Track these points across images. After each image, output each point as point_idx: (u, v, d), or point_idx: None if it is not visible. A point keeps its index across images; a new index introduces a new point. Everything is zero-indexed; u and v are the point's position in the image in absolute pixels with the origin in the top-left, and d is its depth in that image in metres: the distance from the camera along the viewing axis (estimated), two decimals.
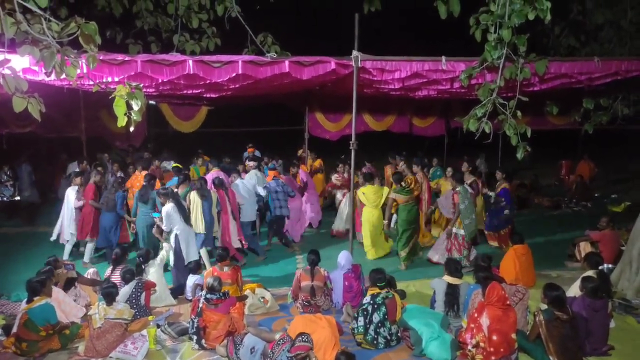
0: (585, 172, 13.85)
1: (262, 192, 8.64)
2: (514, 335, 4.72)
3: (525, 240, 6.98)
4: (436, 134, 14.77)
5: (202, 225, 7.26)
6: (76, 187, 7.94)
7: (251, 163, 9.62)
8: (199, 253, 7.23)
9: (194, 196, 7.29)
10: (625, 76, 7.04)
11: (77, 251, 8.21)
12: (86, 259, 7.88)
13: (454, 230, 7.58)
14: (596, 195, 13.57)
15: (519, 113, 5.31)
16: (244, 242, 7.97)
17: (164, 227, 6.83)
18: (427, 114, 14.21)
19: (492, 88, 5.42)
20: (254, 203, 8.44)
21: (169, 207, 6.74)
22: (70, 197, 7.92)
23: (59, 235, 8.12)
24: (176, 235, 6.79)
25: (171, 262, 6.89)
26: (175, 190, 7.40)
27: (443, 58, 6.43)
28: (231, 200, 7.75)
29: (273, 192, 8.48)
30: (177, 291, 6.57)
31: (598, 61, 6.69)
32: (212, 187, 7.78)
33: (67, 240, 7.98)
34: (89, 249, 7.91)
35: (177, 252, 6.80)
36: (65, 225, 7.95)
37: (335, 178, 10.20)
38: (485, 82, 5.81)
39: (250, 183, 8.54)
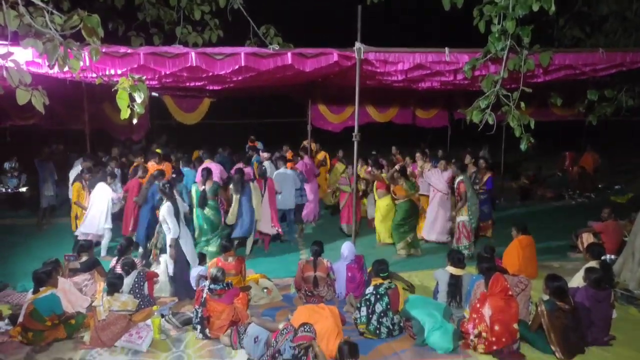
0: (589, 164, 13.79)
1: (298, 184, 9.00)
2: (515, 325, 4.75)
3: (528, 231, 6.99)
4: (439, 126, 14.73)
5: (233, 217, 7.65)
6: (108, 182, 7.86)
7: (265, 154, 9.57)
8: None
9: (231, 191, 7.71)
10: (630, 67, 6.99)
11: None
12: (103, 252, 7.82)
13: (459, 218, 7.67)
14: (600, 186, 13.54)
15: (522, 104, 5.29)
16: (279, 229, 8.19)
17: (171, 235, 6.02)
18: (430, 105, 14.15)
19: (495, 79, 5.40)
20: (292, 191, 8.76)
21: (165, 207, 6.02)
22: (104, 193, 7.72)
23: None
24: (177, 241, 6.05)
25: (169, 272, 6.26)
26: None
27: (446, 49, 6.41)
28: (269, 189, 8.16)
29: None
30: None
31: (603, 52, 6.65)
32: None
33: (101, 235, 7.77)
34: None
35: (179, 260, 6.10)
36: (98, 220, 7.66)
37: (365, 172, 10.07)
38: (488, 73, 5.79)
39: (289, 173, 8.80)
